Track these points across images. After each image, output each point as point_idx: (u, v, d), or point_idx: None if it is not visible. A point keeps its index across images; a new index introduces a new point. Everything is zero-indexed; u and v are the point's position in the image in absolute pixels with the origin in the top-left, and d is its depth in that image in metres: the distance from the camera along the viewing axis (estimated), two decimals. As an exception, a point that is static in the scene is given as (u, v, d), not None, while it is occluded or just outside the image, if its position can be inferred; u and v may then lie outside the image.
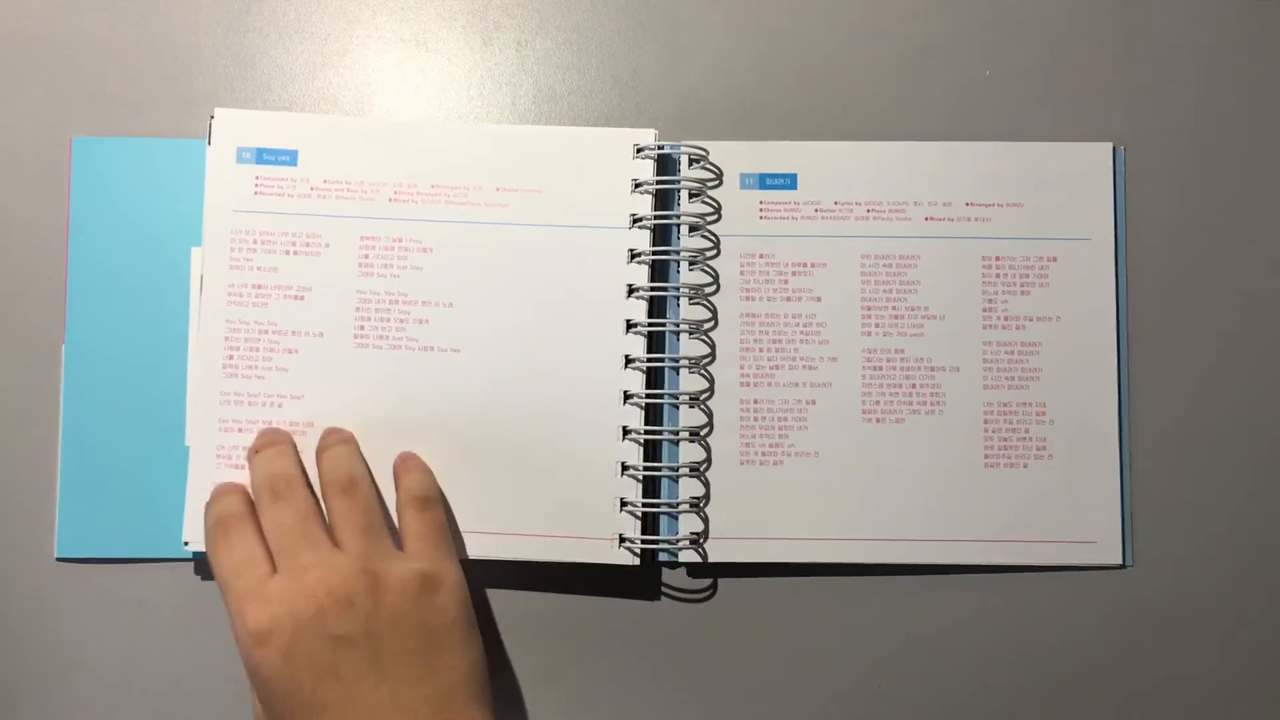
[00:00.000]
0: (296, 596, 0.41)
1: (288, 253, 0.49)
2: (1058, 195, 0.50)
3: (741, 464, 0.49)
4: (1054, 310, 0.50)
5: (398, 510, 0.46)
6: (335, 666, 0.40)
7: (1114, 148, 0.51)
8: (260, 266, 0.49)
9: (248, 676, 0.42)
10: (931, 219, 0.50)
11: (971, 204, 0.50)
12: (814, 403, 0.49)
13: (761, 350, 0.50)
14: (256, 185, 0.49)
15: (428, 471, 0.47)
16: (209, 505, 0.46)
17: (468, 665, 0.43)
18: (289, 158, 0.50)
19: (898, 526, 0.49)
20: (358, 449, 0.47)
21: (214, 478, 0.48)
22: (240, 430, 0.48)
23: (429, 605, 0.42)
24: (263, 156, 0.50)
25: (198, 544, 0.48)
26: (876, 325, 0.50)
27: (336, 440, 0.47)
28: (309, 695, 0.40)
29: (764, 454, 0.49)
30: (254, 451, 0.47)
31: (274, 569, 0.42)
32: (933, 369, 0.50)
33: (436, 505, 0.46)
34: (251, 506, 0.45)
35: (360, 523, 0.44)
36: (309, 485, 0.46)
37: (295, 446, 0.47)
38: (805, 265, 0.50)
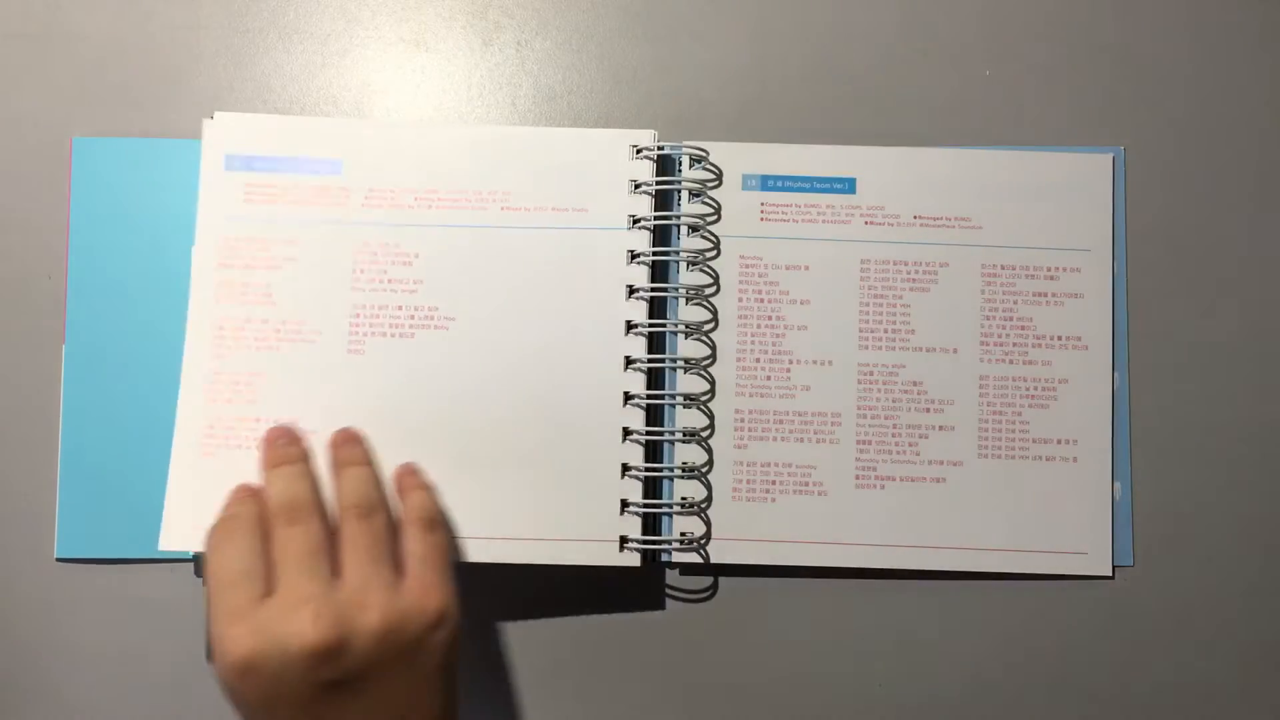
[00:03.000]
0: (288, 632, 0.38)
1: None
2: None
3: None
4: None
5: (403, 527, 0.44)
6: (317, 711, 0.39)
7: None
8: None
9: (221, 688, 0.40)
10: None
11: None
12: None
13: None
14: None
15: (434, 490, 0.47)
16: (225, 503, 0.44)
17: (442, 709, 0.41)
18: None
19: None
20: (375, 470, 0.46)
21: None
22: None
23: (425, 644, 0.41)
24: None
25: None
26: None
27: (360, 460, 0.46)
28: None
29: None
30: (272, 464, 0.45)
31: (268, 591, 0.40)
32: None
33: (442, 528, 0.45)
34: (265, 517, 0.43)
35: (370, 551, 0.42)
36: (325, 511, 0.44)
37: (313, 462, 0.46)
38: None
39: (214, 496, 0.46)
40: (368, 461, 0.46)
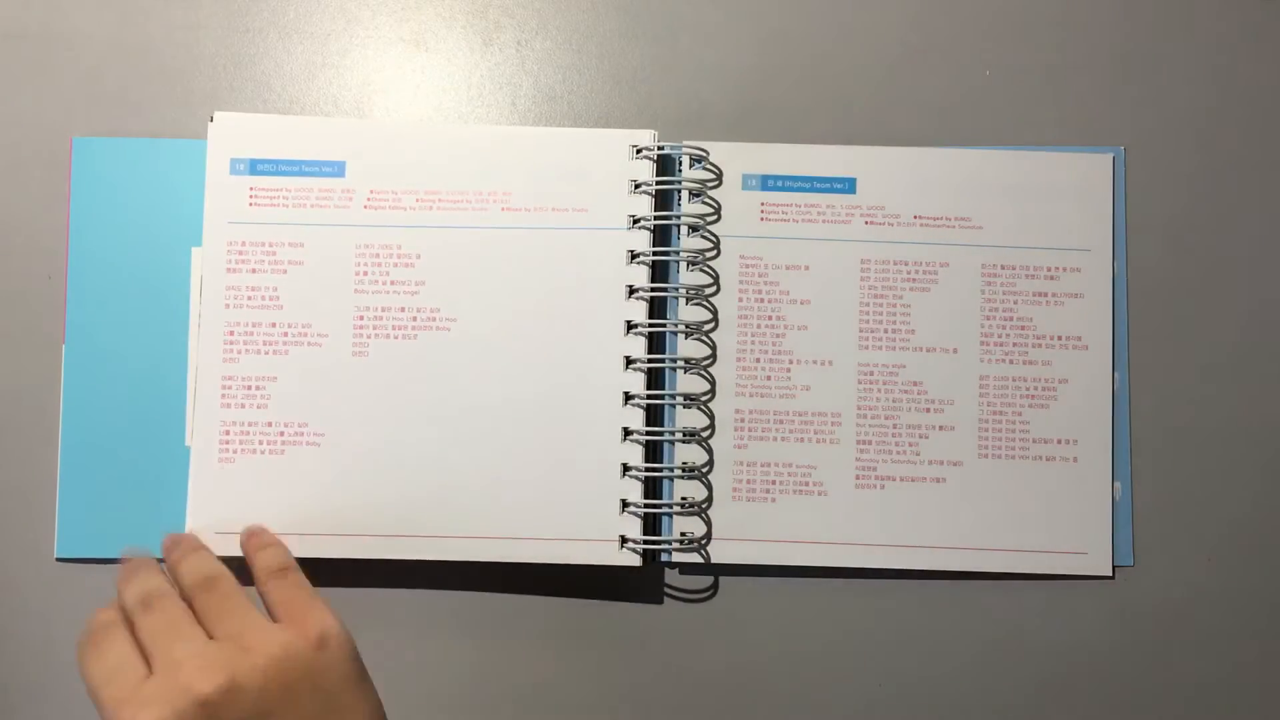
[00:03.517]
0: (176, 693, 0.38)
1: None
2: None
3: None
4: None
5: (258, 587, 0.45)
6: None
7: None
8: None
9: None
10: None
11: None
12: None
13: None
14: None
15: (280, 544, 0.47)
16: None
17: (367, 716, 0.41)
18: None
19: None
20: (208, 550, 0.46)
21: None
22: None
23: (318, 664, 0.41)
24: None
25: None
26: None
27: (187, 550, 0.46)
28: None
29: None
30: (122, 579, 0.44)
31: (149, 673, 0.40)
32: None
33: (294, 571, 0.45)
34: (124, 618, 0.42)
35: (229, 608, 0.42)
36: (180, 597, 0.44)
37: (159, 568, 0.45)
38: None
39: (236, 501, 0.48)
40: (199, 548, 0.46)
